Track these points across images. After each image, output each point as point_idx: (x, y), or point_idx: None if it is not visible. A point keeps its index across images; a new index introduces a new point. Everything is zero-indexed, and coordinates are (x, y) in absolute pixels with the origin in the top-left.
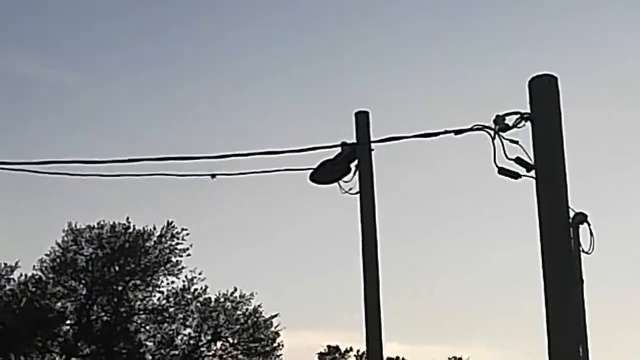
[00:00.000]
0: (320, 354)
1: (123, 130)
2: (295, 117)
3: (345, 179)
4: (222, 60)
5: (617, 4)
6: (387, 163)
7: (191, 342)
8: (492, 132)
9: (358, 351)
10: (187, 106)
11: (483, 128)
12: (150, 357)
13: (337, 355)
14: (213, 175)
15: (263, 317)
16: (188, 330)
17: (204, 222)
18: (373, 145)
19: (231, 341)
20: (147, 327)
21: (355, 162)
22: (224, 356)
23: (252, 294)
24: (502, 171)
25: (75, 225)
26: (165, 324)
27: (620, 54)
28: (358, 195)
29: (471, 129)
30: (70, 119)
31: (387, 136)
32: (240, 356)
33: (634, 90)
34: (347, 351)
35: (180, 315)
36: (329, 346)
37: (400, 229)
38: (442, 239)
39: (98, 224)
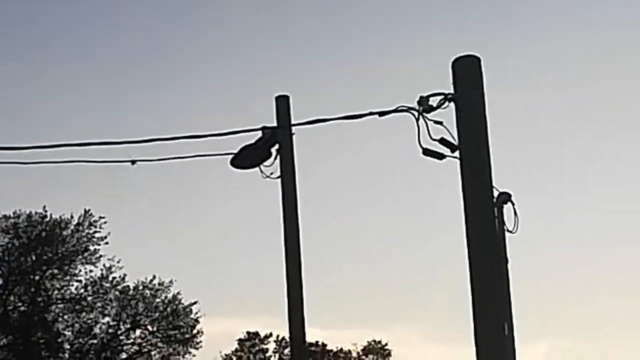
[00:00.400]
0: (240, 340)
1: (48, 119)
2: (216, 104)
3: (266, 163)
4: (145, 45)
5: None
6: (312, 147)
7: (110, 330)
8: (416, 113)
9: (278, 337)
10: (108, 91)
11: (407, 109)
12: (68, 347)
13: (257, 341)
14: (133, 162)
15: (182, 304)
16: (107, 319)
17: (123, 209)
18: (294, 129)
19: (150, 329)
20: (65, 317)
21: (276, 146)
22: (144, 344)
23: (171, 282)
24: (427, 152)
25: None
26: (84, 313)
27: (541, 36)
28: (279, 180)
29: (395, 111)
30: None
31: (309, 119)
32: (159, 344)
33: (556, 71)
34: (266, 337)
35: (99, 304)
36: (248, 332)
37: (325, 214)
38: (366, 223)
39: (14, 213)
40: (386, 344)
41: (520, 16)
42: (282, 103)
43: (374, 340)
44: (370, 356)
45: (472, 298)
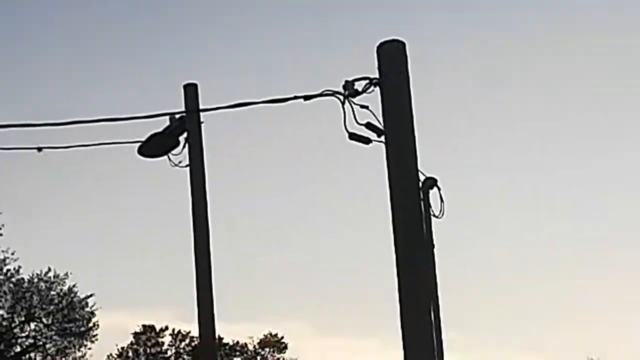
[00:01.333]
0: (136, 334)
1: None
2: (124, 91)
3: (175, 152)
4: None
5: None
6: (230, 137)
7: (4, 323)
8: (341, 97)
9: (173, 330)
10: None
11: (333, 94)
12: None
13: (152, 334)
14: (39, 149)
15: (78, 297)
16: (1, 311)
17: (18, 199)
18: (204, 118)
19: (45, 322)
20: None
21: (185, 134)
22: (38, 337)
23: (66, 274)
24: (353, 136)
25: None
26: None
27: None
28: (188, 169)
29: (321, 95)
30: None
31: (230, 103)
32: (54, 337)
33: (484, 52)
34: (162, 330)
35: None
36: (144, 325)
37: (237, 202)
38: (282, 212)
39: None
40: (282, 337)
41: None
42: (191, 91)
43: (270, 334)
44: (267, 349)
45: (398, 283)
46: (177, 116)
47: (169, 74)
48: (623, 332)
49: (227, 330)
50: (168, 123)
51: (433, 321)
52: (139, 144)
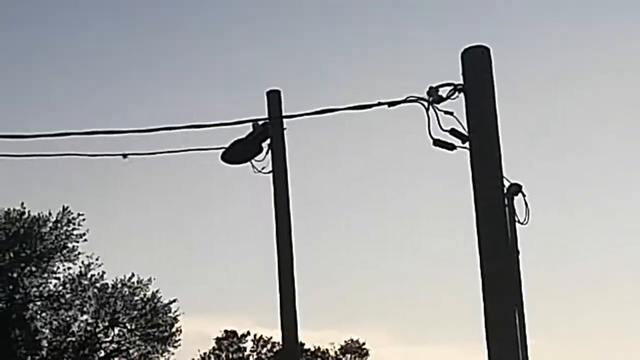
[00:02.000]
0: (218, 339)
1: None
2: (208, 98)
3: (257, 158)
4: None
5: None
6: (312, 143)
7: (88, 328)
8: (426, 104)
9: (255, 335)
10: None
11: (417, 100)
12: (46, 345)
13: (234, 339)
14: (125, 155)
15: (161, 302)
16: (85, 316)
17: (102, 206)
18: (286, 124)
19: (129, 327)
20: (43, 314)
21: (268, 141)
22: (122, 342)
23: (149, 280)
24: (438, 143)
25: None
26: (62, 311)
27: (554, 31)
28: (271, 175)
29: (405, 101)
30: None
31: (314, 110)
32: (138, 342)
33: (565, 63)
34: (244, 335)
35: (77, 302)
36: (226, 331)
37: (320, 209)
38: (367, 219)
39: None
40: (363, 344)
41: (531, 6)
42: (274, 98)
43: (352, 340)
44: (348, 355)
45: (483, 291)
46: (260, 123)
47: (253, 81)
48: None
49: (309, 337)
50: (251, 130)
51: (518, 328)
52: (222, 150)
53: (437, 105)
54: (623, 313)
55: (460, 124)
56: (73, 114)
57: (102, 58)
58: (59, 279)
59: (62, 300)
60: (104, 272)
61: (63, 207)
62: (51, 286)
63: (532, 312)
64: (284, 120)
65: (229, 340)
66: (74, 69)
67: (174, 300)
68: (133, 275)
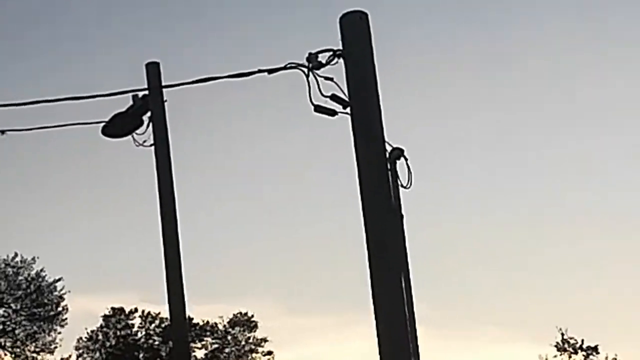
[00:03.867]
0: (105, 316)
1: None
2: (86, 72)
3: (139, 131)
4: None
5: None
6: (193, 114)
7: None
8: (305, 70)
9: (143, 312)
10: None
11: (297, 66)
12: None
13: (122, 317)
14: (2, 132)
15: (46, 281)
16: None
17: None
18: (166, 97)
19: (14, 307)
20: None
21: (148, 113)
22: (7, 323)
23: (33, 259)
24: (319, 109)
25: None
26: None
27: None
28: (153, 148)
29: (284, 68)
30: None
31: (193, 79)
32: (24, 322)
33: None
34: (131, 312)
35: None
36: (113, 308)
37: (209, 182)
38: (249, 189)
39: None
40: (252, 316)
41: None
42: (153, 69)
43: (240, 313)
44: (237, 328)
45: (368, 254)
46: (140, 95)
47: (131, 53)
48: (591, 304)
49: (197, 311)
50: (131, 103)
51: (404, 292)
52: (102, 124)
53: (317, 72)
54: (505, 272)
55: (341, 89)
56: None
57: None
58: None
59: None
60: None
61: None
62: None
63: (417, 276)
64: (165, 92)
65: (117, 317)
66: None
67: (60, 279)
68: (16, 255)
